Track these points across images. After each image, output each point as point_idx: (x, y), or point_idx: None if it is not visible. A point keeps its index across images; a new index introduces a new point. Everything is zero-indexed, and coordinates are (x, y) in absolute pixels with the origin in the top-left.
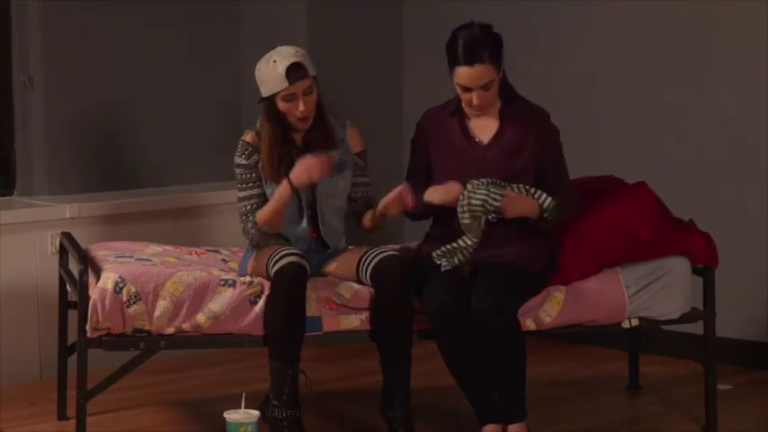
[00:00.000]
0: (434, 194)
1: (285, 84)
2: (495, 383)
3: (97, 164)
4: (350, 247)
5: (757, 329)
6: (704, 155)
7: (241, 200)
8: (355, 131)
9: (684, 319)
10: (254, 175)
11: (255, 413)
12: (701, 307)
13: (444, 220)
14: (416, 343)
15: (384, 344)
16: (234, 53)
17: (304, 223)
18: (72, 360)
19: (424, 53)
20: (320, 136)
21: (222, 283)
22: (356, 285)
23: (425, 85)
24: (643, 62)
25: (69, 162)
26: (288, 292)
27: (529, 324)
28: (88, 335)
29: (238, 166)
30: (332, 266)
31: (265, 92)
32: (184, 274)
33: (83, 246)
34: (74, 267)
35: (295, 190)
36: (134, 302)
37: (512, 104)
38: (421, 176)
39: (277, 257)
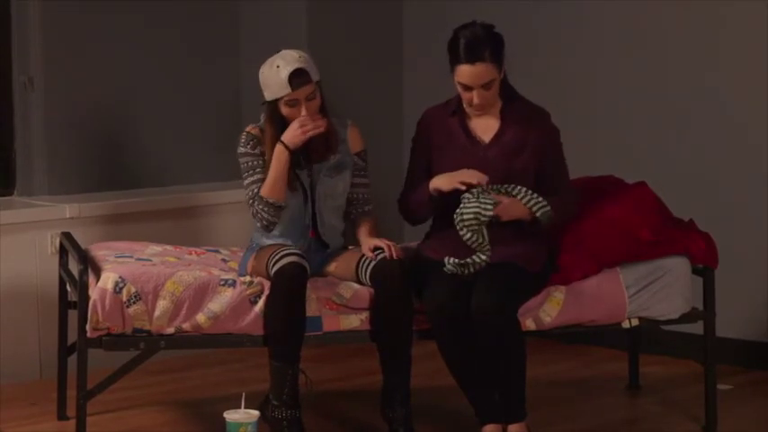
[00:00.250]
0: (440, 180)
1: (288, 90)
2: (495, 383)
3: (97, 164)
4: (350, 248)
5: (757, 329)
6: (704, 155)
7: (247, 186)
8: (356, 131)
9: (684, 319)
10: (259, 161)
11: (255, 413)
12: (701, 307)
13: (444, 221)
14: (416, 343)
15: (384, 344)
16: (234, 53)
17: (307, 219)
18: (72, 360)
19: (424, 53)
20: (323, 140)
21: (222, 282)
22: (356, 285)
23: (425, 85)
24: (643, 62)
25: (69, 162)
26: (288, 292)
27: (529, 324)
28: (88, 335)
29: (243, 155)
30: (332, 266)
31: (268, 96)
32: (184, 273)
33: (83, 246)
34: (74, 267)
35: (292, 152)
36: (134, 302)
37: (512, 104)
38: (421, 175)
39: (277, 257)
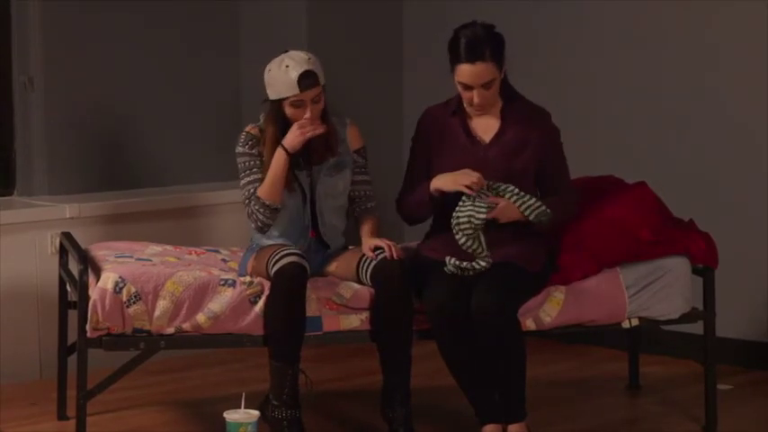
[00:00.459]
0: (442, 181)
1: (296, 90)
2: (495, 383)
3: (97, 164)
4: (350, 247)
5: (757, 329)
6: (704, 155)
7: (244, 185)
8: (355, 129)
9: (684, 319)
10: (257, 161)
11: (255, 413)
12: (701, 307)
13: (444, 220)
14: (416, 343)
15: (384, 344)
16: (234, 53)
17: (306, 220)
18: (72, 360)
19: (424, 53)
20: (323, 142)
21: (222, 282)
22: (356, 285)
23: (425, 85)
24: (643, 62)
25: (69, 162)
26: (288, 292)
27: (529, 324)
28: (88, 335)
29: (241, 154)
30: (332, 266)
31: (273, 95)
32: (184, 273)
33: (83, 246)
34: (74, 267)
35: (291, 155)
36: (134, 302)
37: (513, 104)
38: (421, 175)
39: (277, 257)
